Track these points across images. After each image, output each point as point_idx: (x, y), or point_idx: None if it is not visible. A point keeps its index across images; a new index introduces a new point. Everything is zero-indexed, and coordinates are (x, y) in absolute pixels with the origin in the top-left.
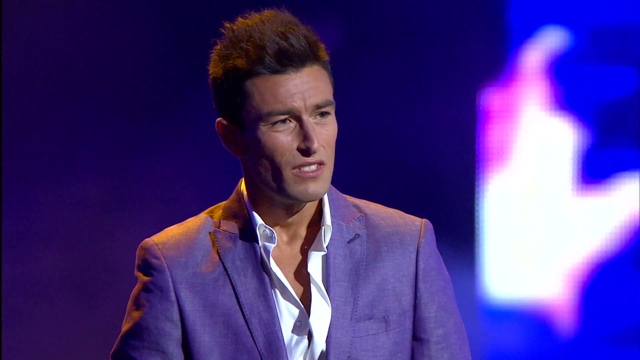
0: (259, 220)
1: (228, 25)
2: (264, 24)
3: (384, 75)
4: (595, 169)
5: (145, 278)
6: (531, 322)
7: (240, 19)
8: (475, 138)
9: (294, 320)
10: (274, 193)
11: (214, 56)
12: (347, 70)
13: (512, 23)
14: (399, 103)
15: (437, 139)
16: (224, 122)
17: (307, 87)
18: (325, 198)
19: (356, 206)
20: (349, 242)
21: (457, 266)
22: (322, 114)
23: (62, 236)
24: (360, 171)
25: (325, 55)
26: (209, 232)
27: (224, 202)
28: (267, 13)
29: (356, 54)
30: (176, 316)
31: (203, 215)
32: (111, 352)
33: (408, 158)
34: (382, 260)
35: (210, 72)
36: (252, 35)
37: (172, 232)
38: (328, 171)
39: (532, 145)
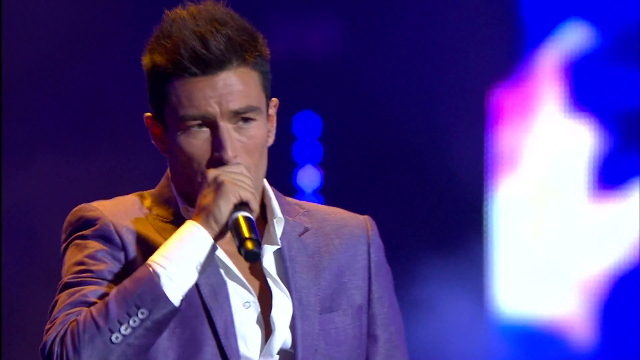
0: (184, 203)
1: (167, 13)
2: (190, 19)
3: (389, 74)
4: (613, 175)
5: (83, 233)
6: (544, 340)
7: (177, 10)
8: (484, 141)
9: (242, 301)
10: (194, 200)
11: (146, 46)
12: (353, 68)
13: (526, 17)
14: (402, 103)
15: (443, 142)
16: (151, 117)
17: (226, 91)
18: (270, 192)
19: (297, 204)
20: (299, 236)
21: (464, 279)
22: (245, 120)
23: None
24: (363, 175)
25: (254, 57)
26: (144, 215)
27: (149, 190)
28: (202, 6)
29: (361, 52)
30: (123, 258)
31: (133, 196)
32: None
33: (411, 163)
34: (337, 252)
35: (142, 61)
36: (173, 33)
37: (104, 201)
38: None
39: (545, 149)
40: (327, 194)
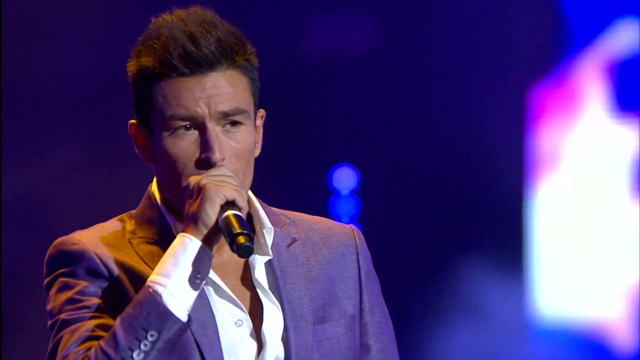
0: (173, 220)
1: (153, 19)
2: (179, 22)
3: (427, 71)
4: None
5: (68, 269)
6: (586, 343)
7: (164, 15)
8: (524, 140)
9: (233, 320)
10: (181, 208)
11: (132, 52)
12: (389, 66)
13: (572, 13)
14: (440, 101)
15: (482, 141)
16: (136, 124)
17: (215, 92)
18: (256, 202)
19: (282, 214)
20: (288, 247)
21: (505, 281)
22: (233, 123)
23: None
24: (401, 175)
25: (243, 61)
26: (128, 240)
27: (131, 211)
28: (190, 10)
29: (398, 49)
30: (114, 289)
31: (114, 222)
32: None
33: (449, 163)
34: (327, 262)
35: (127, 69)
36: (162, 34)
37: (84, 231)
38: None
39: (587, 149)
40: (363, 195)
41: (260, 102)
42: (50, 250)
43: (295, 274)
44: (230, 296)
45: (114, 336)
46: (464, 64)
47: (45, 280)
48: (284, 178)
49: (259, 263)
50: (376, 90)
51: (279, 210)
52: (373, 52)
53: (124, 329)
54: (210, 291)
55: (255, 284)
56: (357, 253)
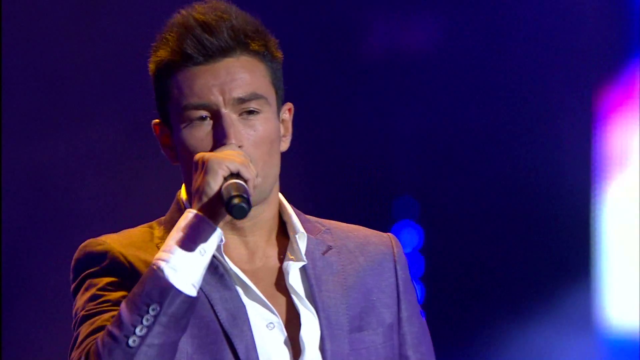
0: None
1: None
2: (194, 13)
3: (491, 73)
4: None
5: (93, 270)
6: None
7: (182, 11)
8: (592, 143)
9: (265, 322)
10: None
11: (151, 51)
12: (453, 66)
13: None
14: (505, 103)
15: (548, 143)
16: (159, 123)
17: (228, 79)
18: (289, 208)
19: (317, 221)
20: (323, 254)
21: (572, 289)
22: (250, 112)
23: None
24: (464, 176)
25: (259, 47)
26: (156, 245)
27: (160, 218)
28: (208, 3)
29: (463, 50)
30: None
31: (142, 228)
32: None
33: (514, 167)
34: (363, 270)
35: (148, 68)
36: (175, 25)
37: (112, 235)
38: (257, 179)
39: None
40: (421, 196)
41: (322, 112)
42: (76, 254)
43: (331, 282)
44: (261, 298)
45: (119, 315)
46: (531, 64)
47: (72, 285)
48: (346, 205)
49: (293, 269)
50: (439, 87)
51: (314, 218)
52: (436, 54)
53: (127, 307)
54: (239, 292)
55: (290, 290)
56: (395, 261)
